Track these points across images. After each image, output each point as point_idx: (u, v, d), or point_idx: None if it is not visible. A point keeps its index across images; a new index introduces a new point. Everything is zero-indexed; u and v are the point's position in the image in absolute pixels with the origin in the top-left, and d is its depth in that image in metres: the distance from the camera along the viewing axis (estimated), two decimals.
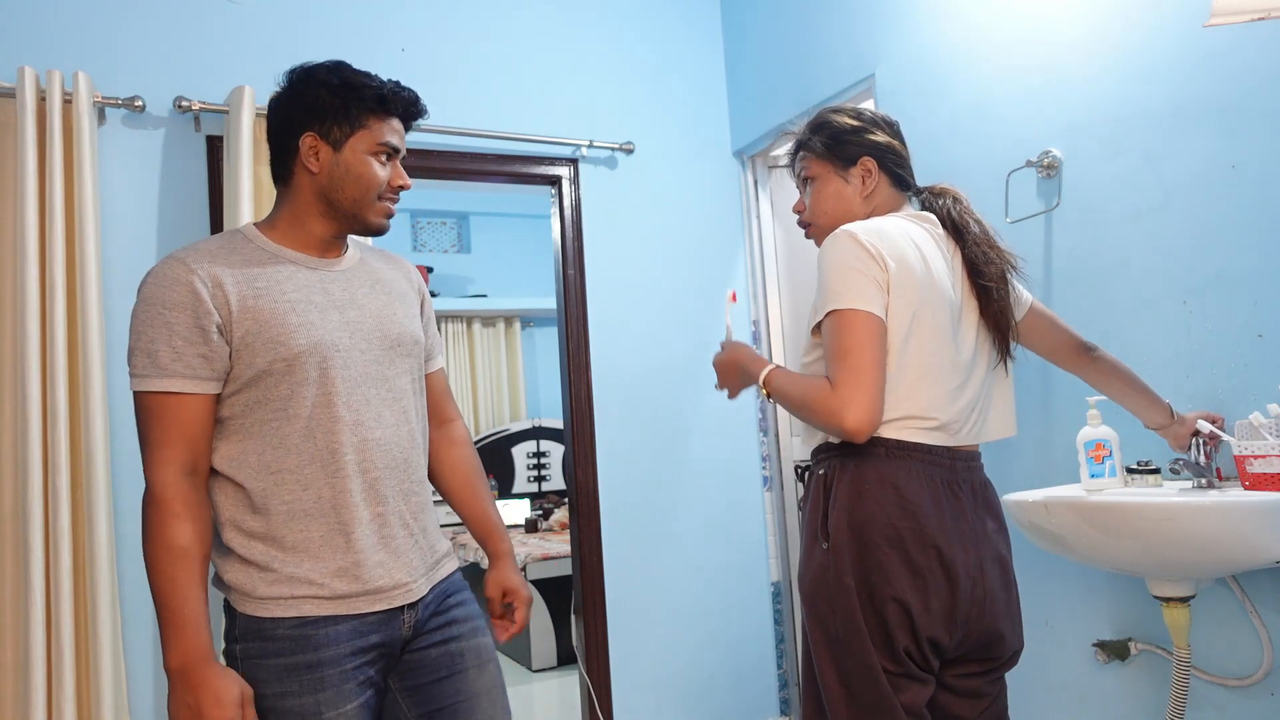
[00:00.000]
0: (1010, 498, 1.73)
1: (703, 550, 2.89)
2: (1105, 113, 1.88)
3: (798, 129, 1.65)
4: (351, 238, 1.46)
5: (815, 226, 1.62)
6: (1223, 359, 1.68)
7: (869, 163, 1.55)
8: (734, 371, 1.59)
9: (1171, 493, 1.58)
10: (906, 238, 1.45)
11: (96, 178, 2.12)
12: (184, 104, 2.25)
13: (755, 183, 3.08)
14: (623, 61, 2.94)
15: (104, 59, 2.23)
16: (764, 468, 3.01)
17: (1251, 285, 1.64)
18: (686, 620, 2.84)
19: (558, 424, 5.54)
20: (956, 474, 1.43)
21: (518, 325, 5.73)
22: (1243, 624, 1.66)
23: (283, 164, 1.38)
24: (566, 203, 2.80)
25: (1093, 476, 1.71)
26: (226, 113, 2.27)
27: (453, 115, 2.62)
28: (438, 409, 1.57)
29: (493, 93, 2.72)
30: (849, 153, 1.56)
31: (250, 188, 2.22)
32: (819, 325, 1.43)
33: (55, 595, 1.96)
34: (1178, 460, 1.62)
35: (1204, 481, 1.60)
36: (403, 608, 1.33)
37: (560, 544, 4.16)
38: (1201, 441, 1.61)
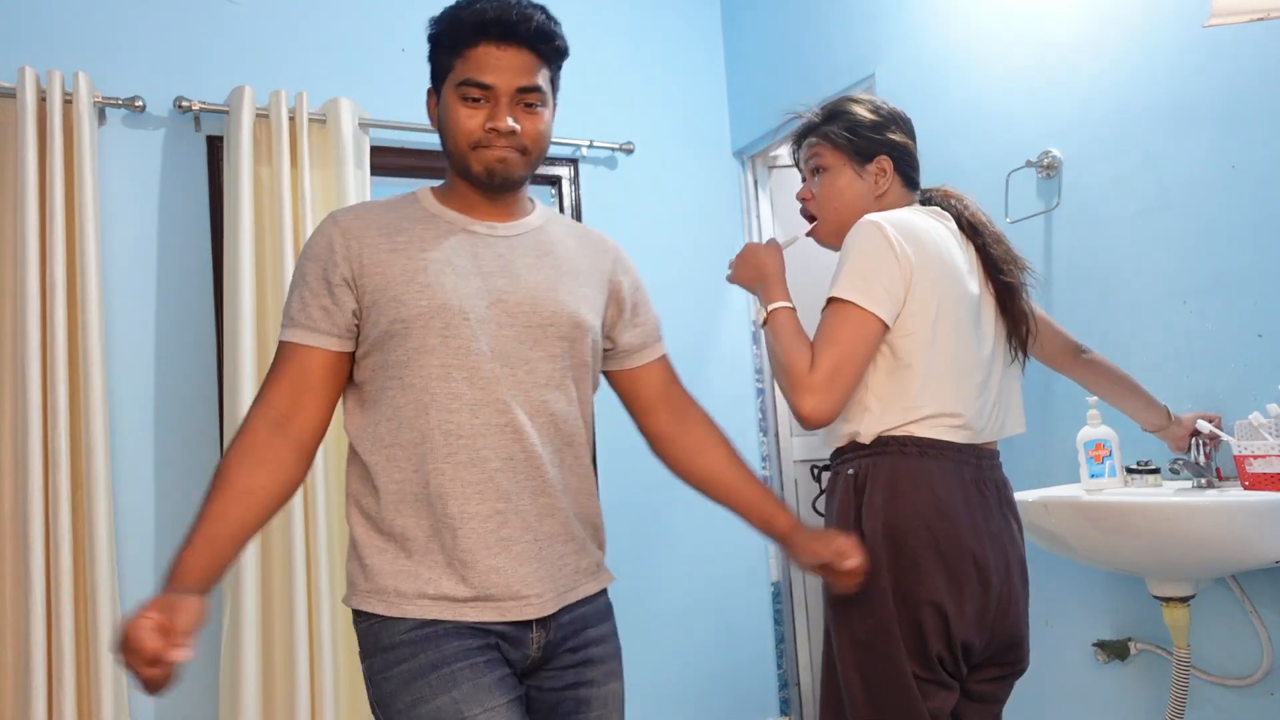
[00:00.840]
0: None
1: (703, 550, 2.89)
2: (1105, 113, 1.88)
3: (810, 112, 1.57)
4: (541, 204, 1.37)
5: (822, 222, 1.56)
6: (1223, 359, 1.68)
7: (885, 162, 1.50)
8: (753, 274, 1.54)
9: (1171, 493, 1.59)
10: (932, 231, 1.42)
11: (97, 178, 2.12)
12: (184, 104, 2.25)
13: (755, 183, 3.07)
14: (623, 61, 2.94)
15: (104, 59, 2.23)
16: (764, 468, 3.01)
17: (1251, 285, 1.64)
18: (686, 620, 2.84)
19: None
20: (982, 473, 1.40)
21: None
22: (1242, 624, 1.66)
23: None
24: (566, 203, 2.80)
25: (1093, 476, 1.71)
26: (227, 113, 2.27)
27: None
28: (662, 402, 1.42)
29: None
30: (866, 149, 1.50)
31: (250, 188, 2.22)
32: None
33: (55, 594, 1.96)
34: (1177, 460, 1.62)
35: (1204, 481, 1.60)
36: (531, 623, 1.17)
37: None
38: (1201, 441, 1.61)
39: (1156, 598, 1.63)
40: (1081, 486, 1.74)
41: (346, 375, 1.22)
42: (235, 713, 2.08)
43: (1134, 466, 1.72)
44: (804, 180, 1.59)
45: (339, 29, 2.52)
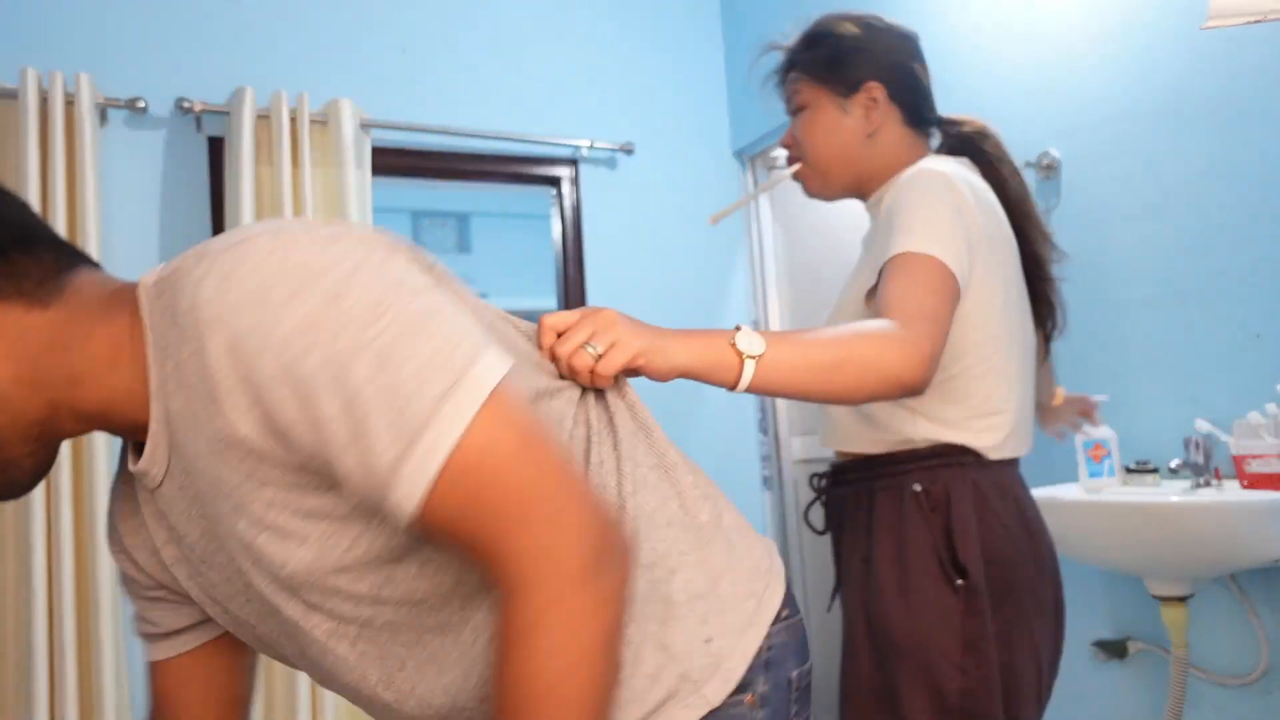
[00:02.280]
0: None
1: None
2: (1105, 113, 1.88)
3: (789, 41, 1.34)
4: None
5: (806, 166, 1.29)
6: (1223, 359, 1.68)
7: (875, 89, 1.23)
8: (639, 329, 0.84)
9: (1170, 493, 1.59)
10: (987, 193, 1.18)
11: (98, 179, 2.12)
12: (186, 105, 2.25)
13: (755, 183, 3.08)
14: (623, 61, 2.94)
15: (106, 60, 2.24)
16: (764, 468, 3.01)
17: (1250, 285, 1.64)
18: None
19: None
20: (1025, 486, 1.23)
21: None
22: (1241, 623, 1.67)
23: None
24: (566, 203, 2.81)
25: (1092, 476, 1.72)
26: (228, 114, 2.27)
27: (453, 115, 2.62)
28: None
29: (493, 93, 2.72)
30: (849, 76, 1.23)
31: (252, 189, 2.22)
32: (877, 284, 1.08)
33: (57, 593, 1.97)
34: (1177, 460, 1.62)
35: (1202, 481, 1.60)
36: None
37: None
38: (1200, 441, 1.62)
39: (1155, 597, 1.64)
40: (1081, 486, 1.75)
41: None
42: None
43: (1133, 466, 1.72)
44: (791, 123, 1.35)
45: (339, 29, 2.53)
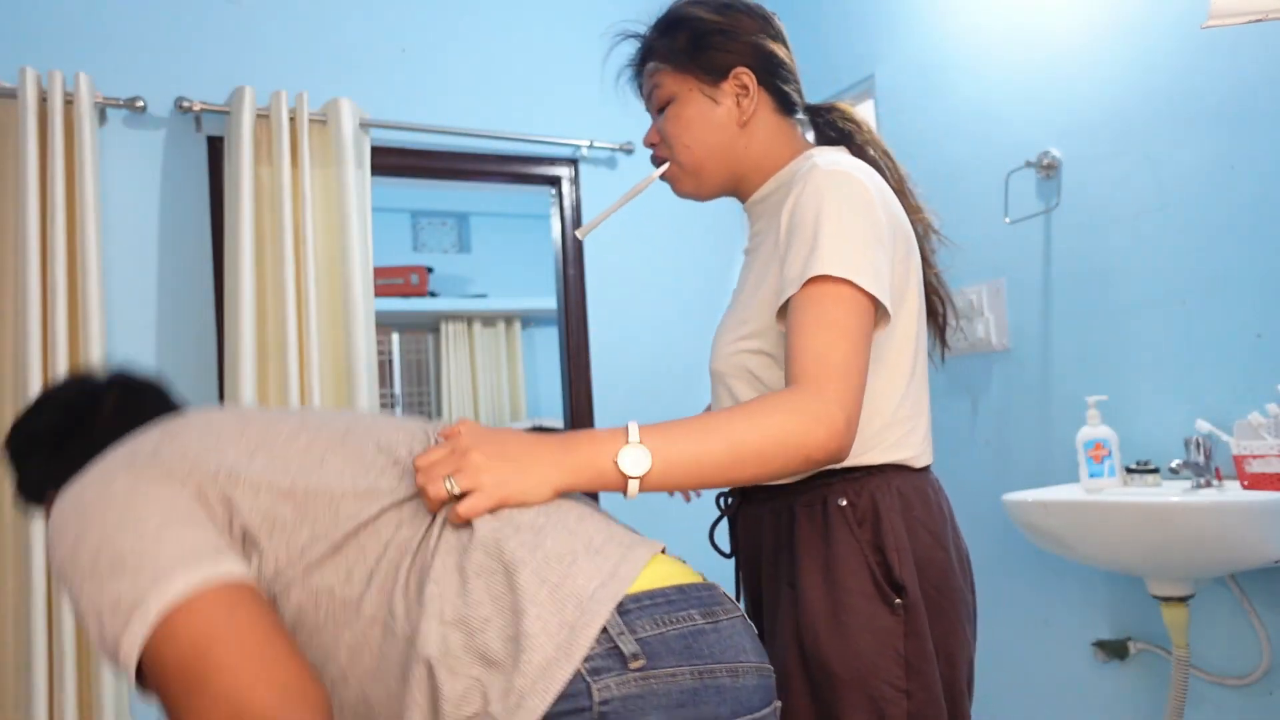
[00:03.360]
0: (1010, 498, 1.74)
1: (703, 550, 2.88)
2: (1105, 113, 1.88)
3: (644, 29, 1.25)
4: None
5: (675, 165, 1.18)
6: (1222, 359, 1.68)
7: (745, 76, 1.13)
8: (501, 470, 0.82)
9: (1170, 493, 1.59)
10: (884, 185, 1.10)
11: (98, 178, 2.12)
12: (185, 104, 2.25)
13: None
14: (623, 61, 2.93)
15: (105, 59, 2.24)
16: None
17: (1251, 285, 1.64)
18: None
19: (558, 424, 5.54)
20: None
21: (518, 325, 5.73)
22: (1241, 623, 1.67)
23: None
24: (566, 203, 2.80)
25: (1092, 476, 1.72)
26: (228, 113, 2.27)
27: (453, 115, 2.62)
28: None
29: (493, 93, 2.72)
30: (716, 61, 1.14)
31: (251, 188, 2.22)
32: (787, 302, 0.98)
33: (56, 593, 1.97)
34: (1177, 460, 1.62)
35: (1203, 481, 1.60)
36: None
37: None
38: (1201, 441, 1.62)
39: (1156, 597, 1.64)
40: (1081, 487, 1.74)
41: None
42: None
43: (1133, 466, 1.72)
44: (652, 119, 1.23)
45: (339, 29, 2.53)
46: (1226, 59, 1.66)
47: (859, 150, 1.19)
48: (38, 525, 1.96)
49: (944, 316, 1.20)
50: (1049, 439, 2.00)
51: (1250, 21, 1.30)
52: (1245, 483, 1.52)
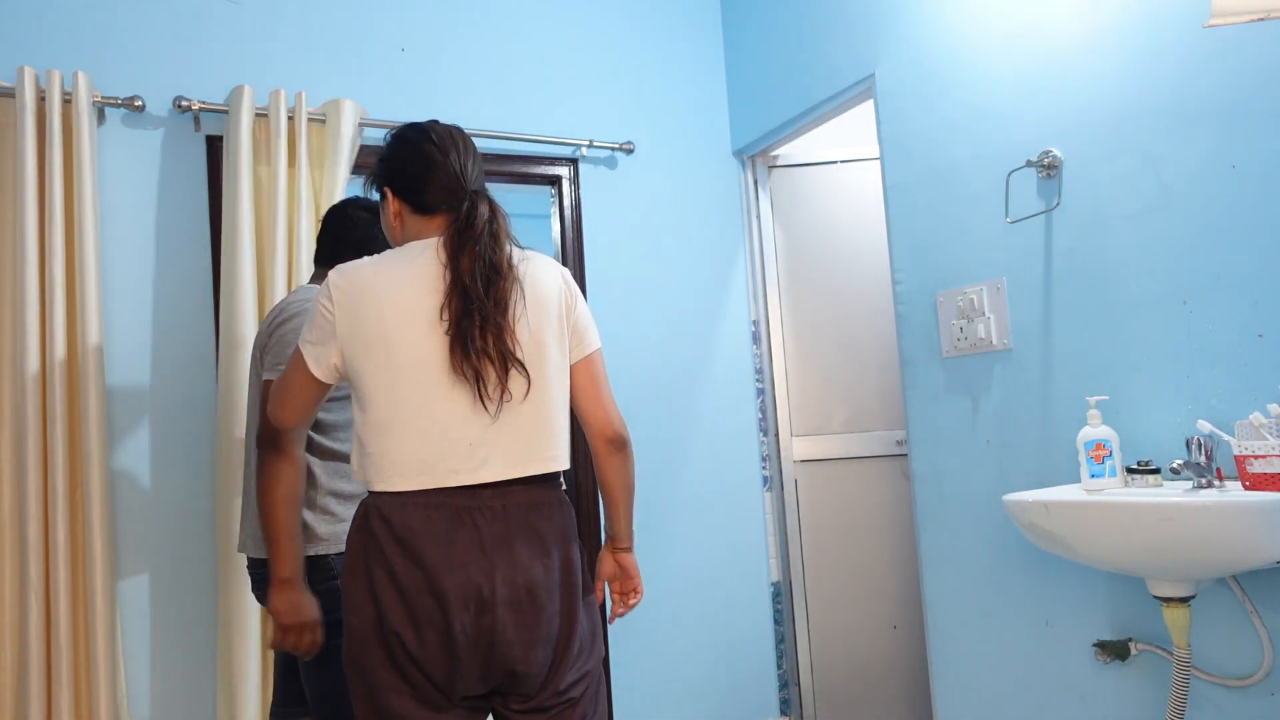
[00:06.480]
0: (1010, 498, 1.73)
1: (703, 550, 2.88)
2: (1105, 113, 1.88)
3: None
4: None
5: None
6: (1223, 359, 1.68)
7: (387, 190, 1.51)
8: (295, 610, 1.60)
9: (1171, 493, 1.58)
10: None
11: (96, 177, 2.12)
12: (184, 104, 2.25)
13: (755, 183, 3.07)
14: (623, 61, 2.93)
15: (103, 59, 2.23)
16: (764, 468, 3.01)
17: (1251, 285, 1.63)
18: (686, 620, 2.83)
19: None
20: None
21: None
22: (1243, 624, 1.66)
23: None
24: (566, 203, 2.80)
25: (1093, 476, 1.71)
26: (226, 112, 2.27)
27: (452, 115, 2.61)
28: None
29: (493, 93, 2.72)
30: (377, 185, 1.54)
31: (250, 187, 2.21)
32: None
33: (53, 594, 1.96)
34: (1178, 460, 1.62)
35: (1204, 481, 1.60)
36: None
37: None
38: (1202, 441, 1.61)
39: (1157, 598, 1.63)
40: (1082, 487, 1.74)
41: None
42: (233, 711, 2.08)
43: (1134, 466, 1.72)
44: None
45: (339, 29, 2.52)
46: (1227, 59, 1.66)
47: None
48: (34, 523, 1.96)
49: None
50: (1050, 439, 1.99)
51: (1252, 20, 1.30)
52: (1247, 483, 1.51)
